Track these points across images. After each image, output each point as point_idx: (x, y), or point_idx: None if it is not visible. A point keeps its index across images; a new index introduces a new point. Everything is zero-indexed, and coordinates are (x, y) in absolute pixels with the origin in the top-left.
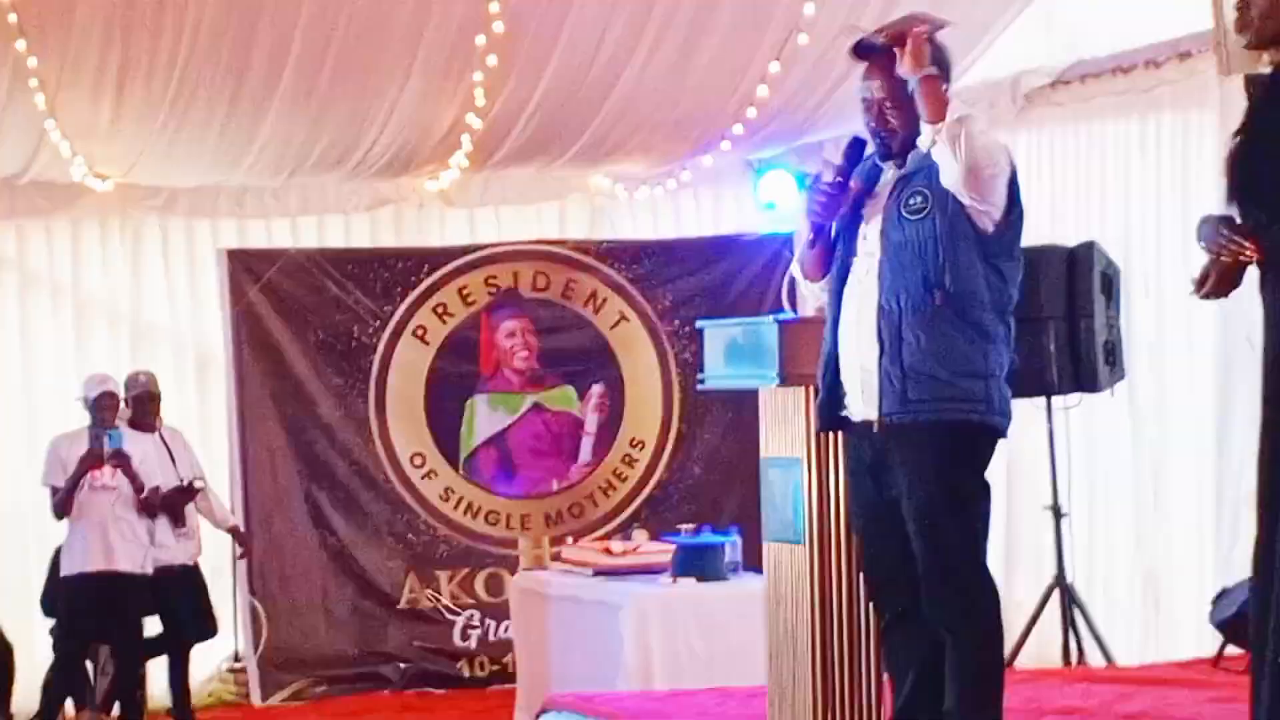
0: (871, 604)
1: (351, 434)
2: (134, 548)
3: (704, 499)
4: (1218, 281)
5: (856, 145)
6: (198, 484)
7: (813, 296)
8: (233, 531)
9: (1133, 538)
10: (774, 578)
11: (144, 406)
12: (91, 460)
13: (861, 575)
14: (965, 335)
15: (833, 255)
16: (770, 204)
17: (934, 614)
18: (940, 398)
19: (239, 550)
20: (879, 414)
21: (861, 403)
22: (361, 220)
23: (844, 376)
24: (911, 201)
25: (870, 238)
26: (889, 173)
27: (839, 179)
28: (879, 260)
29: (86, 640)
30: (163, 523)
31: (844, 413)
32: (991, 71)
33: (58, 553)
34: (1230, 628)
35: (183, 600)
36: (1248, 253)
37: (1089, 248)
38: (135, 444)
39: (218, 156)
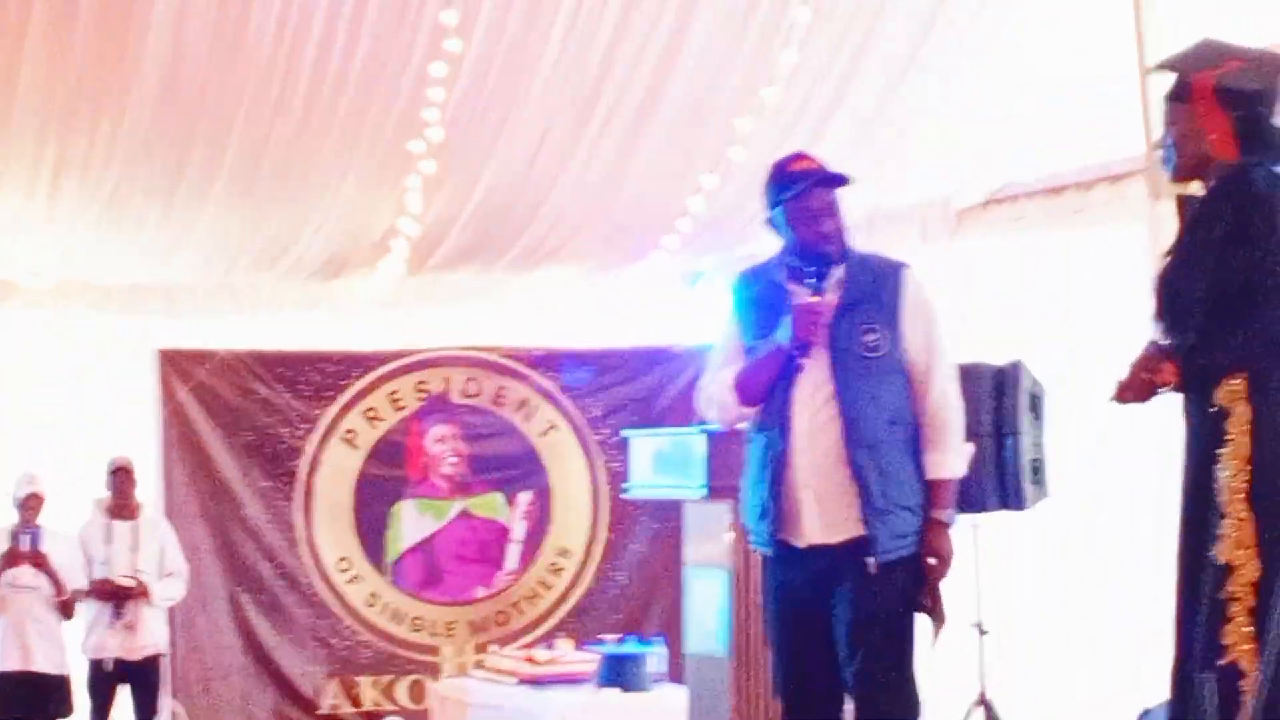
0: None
1: (278, 536)
2: (52, 648)
3: (630, 608)
4: (1135, 394)
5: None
6: (124, 581)
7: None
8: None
9: (1057, 655)
10: (697, 690)
11: (114, 488)
12: (10, 558)
13: (780, 693)
14: (917, 468)
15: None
16: (709, 312)
17: None
18: (913, 532)
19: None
20: (872, 550)
21: (820, 527)
22: (294, 321)
23: (796, 499)
24: (868, 339)
25: (817, 364)
26: (808, 293)
27: (820, 297)
28: (834, 390)
29: None
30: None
31: (789, 535)
32: (925, 190)
33: None
34: None
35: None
36: (1165, 375)
37: (1016, 367)
38: (102, 531)
39: (152, 254)
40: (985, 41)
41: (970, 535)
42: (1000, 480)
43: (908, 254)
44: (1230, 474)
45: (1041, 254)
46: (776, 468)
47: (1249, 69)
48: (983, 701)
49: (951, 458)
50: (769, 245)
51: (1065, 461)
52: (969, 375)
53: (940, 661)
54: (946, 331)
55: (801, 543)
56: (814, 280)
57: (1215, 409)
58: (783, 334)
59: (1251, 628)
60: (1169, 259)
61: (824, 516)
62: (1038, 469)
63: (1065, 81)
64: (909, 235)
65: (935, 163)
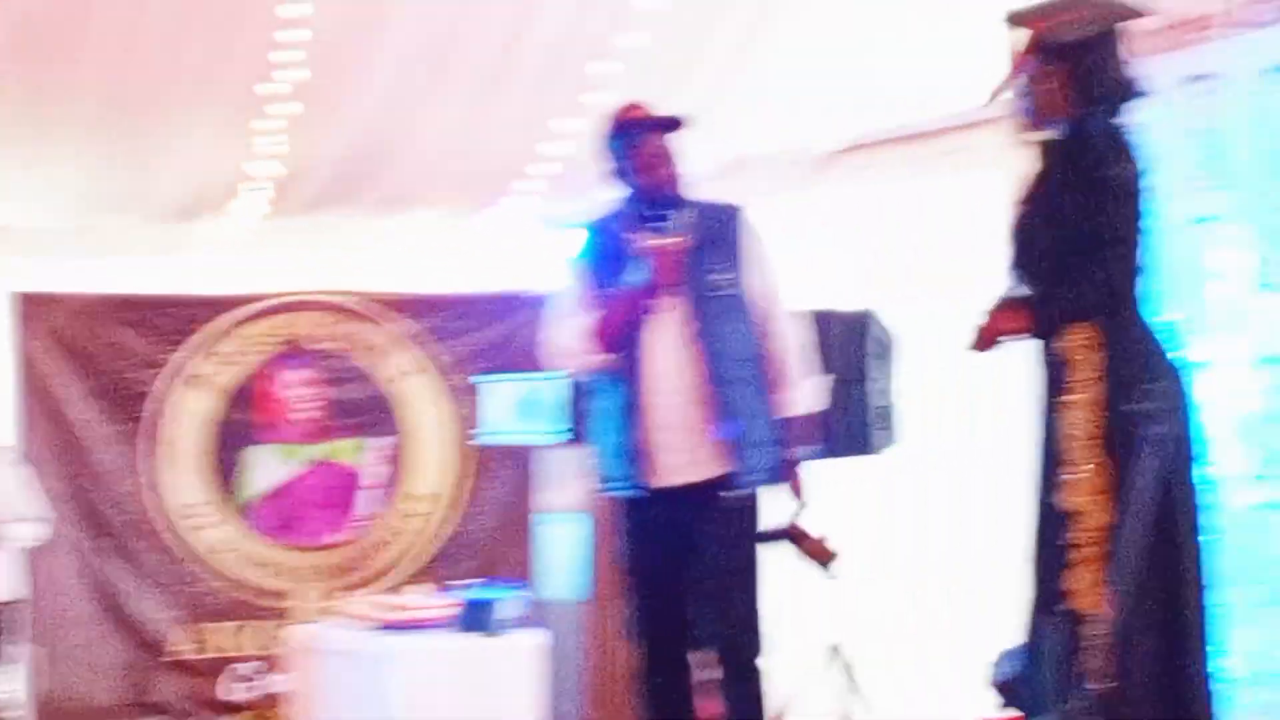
0: (648, 656)
1: (128, 482)
2: None
3: (488, 554)
4: (990, 342)
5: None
6: None
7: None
8: None
9: (906, 600)
10: (556, 633)
11: None
12: None
13: (637, 632)
14: (769, 405)
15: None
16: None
17: (738, 654)
18: (770, 467)
19: None
20: (728, 484)
21: (684, 466)
22: (152, 264)
23: (659, 439)
24: (718, 279)
25: (671, 305)
26: (652, 235)
27: (669, 239)
28: (692, 330)
29: None
30: None
31: (649, 476)
32: (784, 137)
33: None
34: (1007, 689)
35: None
36: (1018, 323)
37: (867, 314)
38: None
39: (7, 197)
40: None
41: (820, 481)
42: (849, 427)
43: (766, 200)
44: (1081, 420)
45: (899, 201)
46: (637, 410)
47: (1080, 19)
48: (833, 647)
49: (799, 394)
50: (624, 191)
51: (919, 408)
52: (819, 322)
53: (791, 607)
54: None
55: (665, 482)
56: (661, 224)
57: (1060, 357)
58: (635, 277)
59: (1101, 572)
60: (1021, 208)
61: (687, 455)
62: (887, 416)
63: (925, 29)
64: (768, 182)
65: (795, 110)
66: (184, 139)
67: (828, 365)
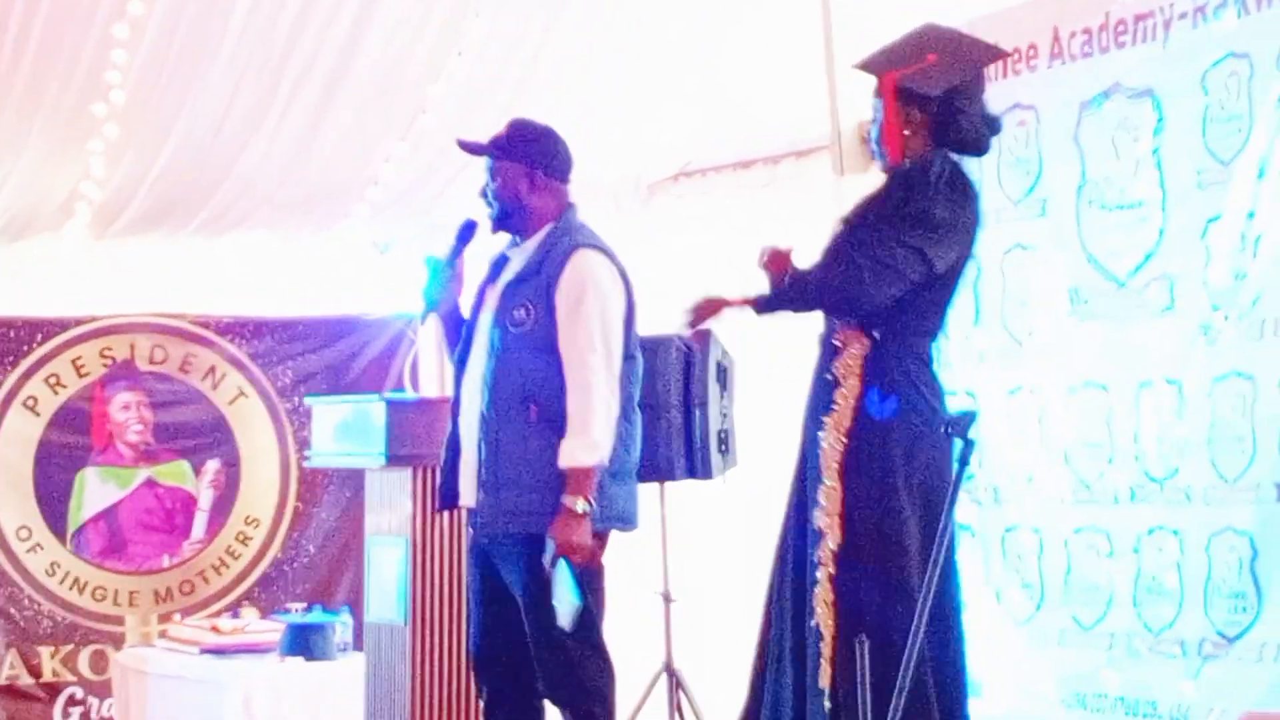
0: (475, 679)
1: None
2: None
3: (318, 578)
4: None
5: (468, 227)
6: None
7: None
8: None
9: (743, 623)
10: (375, 658)
11: None
12: None
13: (470, 649)
14: (550, 449)
15: (458, 338)
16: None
17: (551, 696)
18: (531, 511)
19: None
20: (471, 521)
21: (471, 490)
22: None
23: (458, 459)
24: (516, 314)
25: (485, 333)
26: (510, 267)
27: (448, 259)
28: (486, 359)
29: None
30: None
31: (458, 493)
32: (616, 164)
33: None
34: None
35: None
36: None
37: (704, 337)
38: None
39: None
40: (673, 19)
41: (657, 504)
42: (688, 451)
43: (601, 225)
44: (830, 443)
45: (731, 227)
46: (450, 423)
47: (940, 66)
48: (669, 669)
49: (574, 446)
50: (459, 214)
51: (752, 431)
52: (656, 347)
53: (626, 630)
54: (608, 320)
55: (464, 503)
56: (455, 244)
57: (830, 377)
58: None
59: (831, 594)
60: (841, 225)
61: (469, 480)
62: (725, 439)
63: (755, 58)
64: (602, 207)
65: (627, 137)
66: (8, 160)
67: (666, 390)
